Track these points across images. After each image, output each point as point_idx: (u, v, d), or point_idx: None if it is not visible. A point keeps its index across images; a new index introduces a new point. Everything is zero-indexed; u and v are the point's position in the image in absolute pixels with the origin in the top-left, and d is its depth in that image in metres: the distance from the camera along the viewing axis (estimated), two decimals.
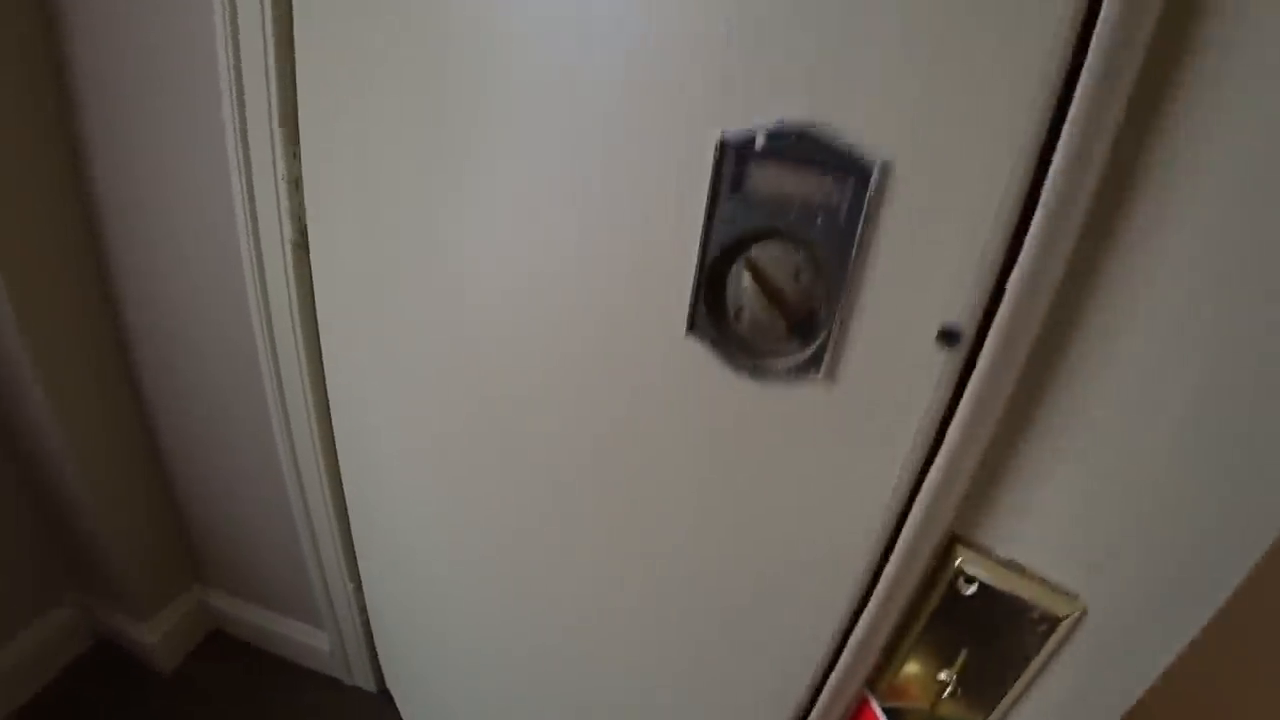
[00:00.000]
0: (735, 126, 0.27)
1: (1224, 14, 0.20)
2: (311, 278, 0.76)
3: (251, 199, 0.78)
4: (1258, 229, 0.22)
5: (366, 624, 0.97)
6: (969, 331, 0.26)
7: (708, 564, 0.37)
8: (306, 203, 0.72)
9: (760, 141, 0.26)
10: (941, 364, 0.26)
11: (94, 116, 0.84)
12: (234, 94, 0.72)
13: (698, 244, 0.29)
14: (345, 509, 0.89)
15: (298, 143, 0.71)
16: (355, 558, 0.92)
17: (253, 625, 1.14)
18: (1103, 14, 0.21)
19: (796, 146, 0.26)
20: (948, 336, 0.26)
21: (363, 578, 0.93)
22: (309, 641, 1.07)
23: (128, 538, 1.09)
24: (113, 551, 1.08)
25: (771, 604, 0.36)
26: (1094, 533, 0.30)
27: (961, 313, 0.26)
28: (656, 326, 0.32)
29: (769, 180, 0.27)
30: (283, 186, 0.74)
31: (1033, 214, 0.24)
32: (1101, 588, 0.31)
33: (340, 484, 0.88)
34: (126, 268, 0.93)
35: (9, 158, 0.83)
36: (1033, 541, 0.32)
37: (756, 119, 0.26)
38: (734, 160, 0.27)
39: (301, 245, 0.76)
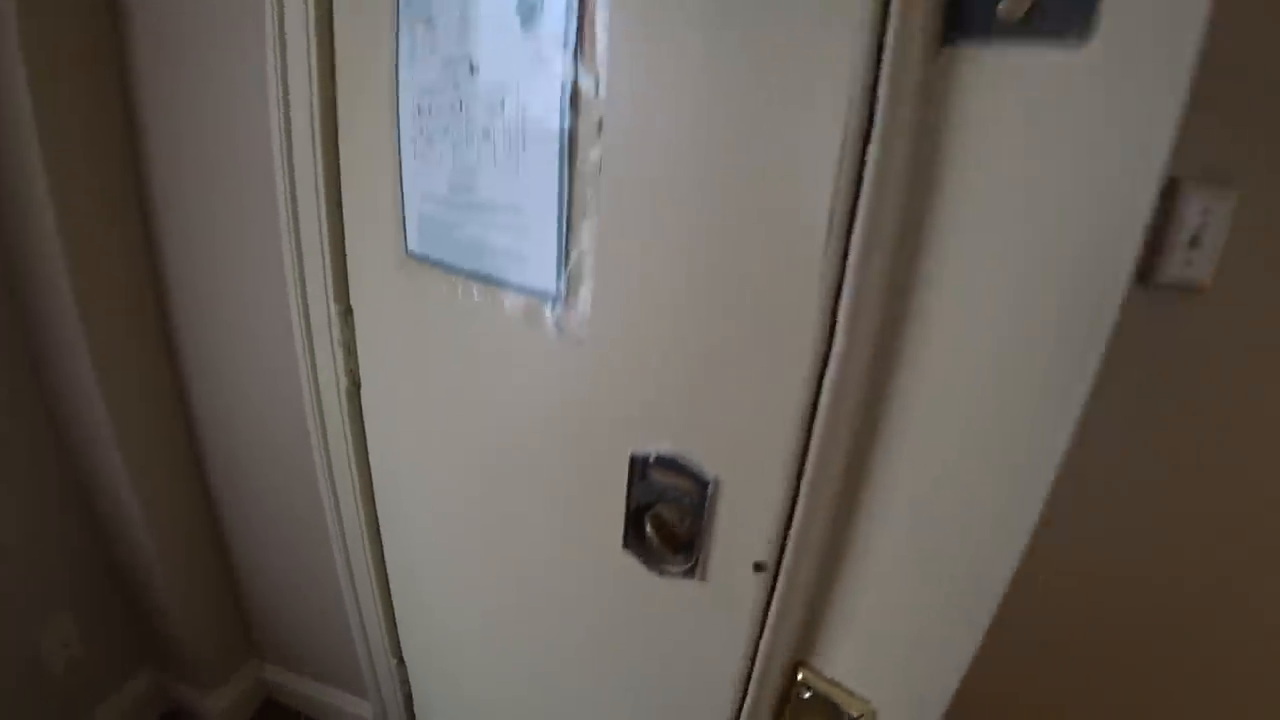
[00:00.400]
0: (639, 450, 0.48)
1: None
2: (362, 412, 0.98)
3: (313, 358, 1.00)
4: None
5: (408, 694, 1.16)
6: (770, 564, 0.47)
7: (637, 681, 0.58)
8: (360, 359, 0.94)
9: (652, 458, 0.48)
10: (757, 581, 0.47)
11: (183, 300, 1.08)
12: (298, 278, 0.95)
13: (624, 505, 0.50)
14: (390, 596, 1.09)
15: (350, 313, 0.93)
16: (398, 636, 1.12)
17: (303, 695, 1.34)
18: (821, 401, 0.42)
19: (671, 464, 0.47)
20: (758, 566, 0.47)
21: (404, 653, 1.13)
22: (354, 710, 1.27)
23: (198, 617, 1.30)
24: (185, 630, 1.29)
25: (678, 710, 0.56)
26: (877, 662, 0.50)
27: (764, 554, 0.47)
28: (604, 542, 0.53)
29: (660, 477, 0.48)
30: (339, 351, 0.96)
31: (796, 505, 0.45)
32: (885, 695, 0.52)
33: (385, 575, 1.09)
34: (204, 396, 1.17)
35: (128, 347, 1.08)
36: (844, 665, 0.52)
37: (649, 448, 0.48)
38: (640, 465, 0.49)
39: (354, 390, 0.97)
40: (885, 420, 0.42)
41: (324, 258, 0.88)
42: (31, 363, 1.09)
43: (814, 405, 0.42)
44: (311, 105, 0.79)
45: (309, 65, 0.75)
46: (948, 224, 0.38)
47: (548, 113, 0.47)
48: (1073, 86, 0.34)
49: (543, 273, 0.50)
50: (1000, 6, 0.36)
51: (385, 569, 1.06)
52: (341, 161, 0.79)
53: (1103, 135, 0.33)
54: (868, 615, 0.48)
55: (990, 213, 0.36)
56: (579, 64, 0.45)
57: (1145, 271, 0.56)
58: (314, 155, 0.82)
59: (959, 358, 0.39)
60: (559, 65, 0.46)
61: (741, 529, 0.47)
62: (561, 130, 0.46)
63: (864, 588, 0.47)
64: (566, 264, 0.49)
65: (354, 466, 1.01)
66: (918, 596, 0.46)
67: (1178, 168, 0.56)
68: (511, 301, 0.54)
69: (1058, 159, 0.34)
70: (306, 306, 0.97)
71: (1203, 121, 0.53)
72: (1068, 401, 0.37)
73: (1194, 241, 0.55)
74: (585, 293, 0.48)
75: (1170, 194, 0.55)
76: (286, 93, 0.82)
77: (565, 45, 0.45)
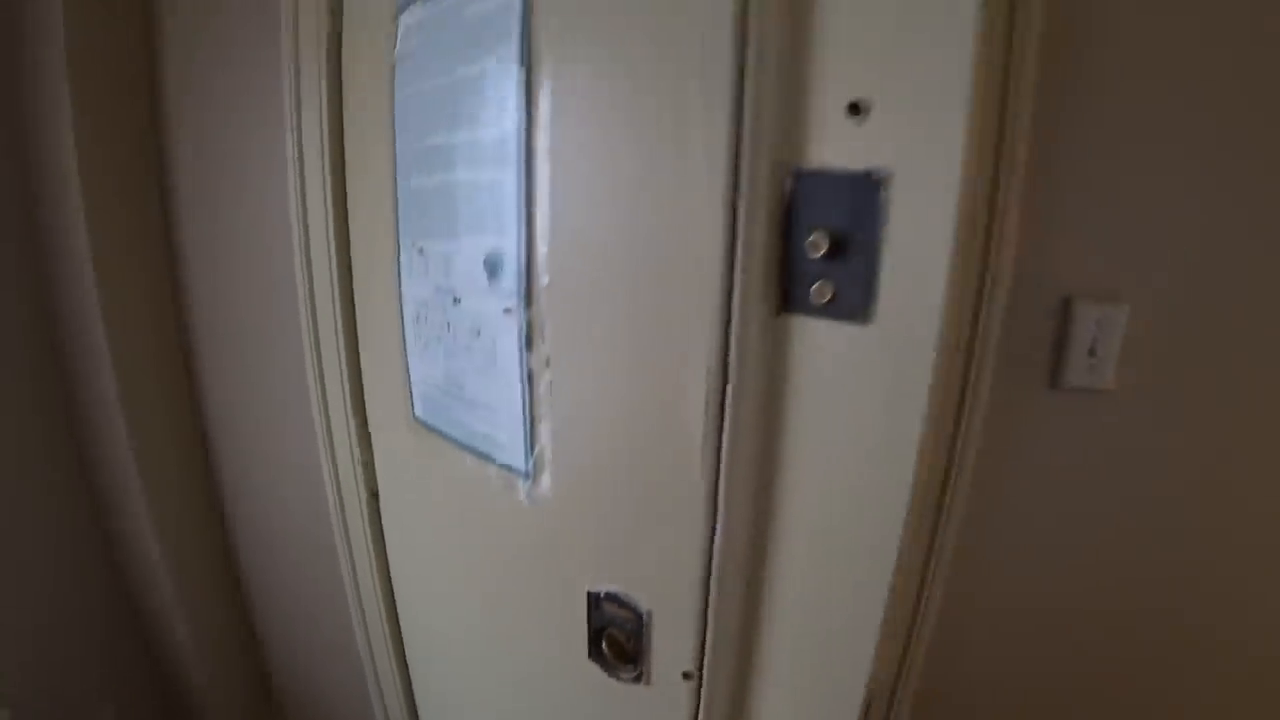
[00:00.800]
0: (592, 588, 0.65)
1: None
2: (381, 518, 1.13)
3: (336, 471, 1.16)
4: None
5: None
6: (695, 673, 0.62)
7: None
8: (377, 474, 1.10)
9: (602, 594, 0.64)
10: (687, 686, 0.63)
11: (220, 426, 1.26)
12: (323, 411, 1.13)
13: (585, 628, 0.67)
14: (409, 677, 1.24)
15: (369, 436, 1.10)
16: (417, 713, 1.27)
17: None
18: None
19: (616, 599, 0.64)
20: (686, 675, 0.63)
21: None
22: None
23: (231, 706, 1.45)
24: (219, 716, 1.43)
25: None
26: None
27: (690, 666, 0.62)
28: (575, 654, 0.69)
29: (610, 608, 0.65)
30: (359, 468, 1.13)
31: (707, 631, 0.61)
32: None
33: (405, 659, 1.24)
34: (237, 496, 1.34)
35: (171, 452, 1.26)
36: None
37: (600, 587, 0.64)
38: (594, 600, 0.65)
39: (373, 499, 1.13)
40: (767, 569, 0.59)
41: (345, 401, 1.05)
42: (79, 461, 1.27)
43: (709, 561, 0.58)
44: (333, 286, 0.98)
45: (330, 272, 0.94)
46: (791, 436, 0.55)
47: (510, 347, 0.65)
48: (862, 350, 0.51)
49: (516, 457, 0.67)
50: (810, 292, 0.54)
51: (405, 656, 1.22)
52: (359, 327, 0.98)
53: (884, 381, 0.49)
54: (774, 706, 0.64)
55: (819, 431, 0.53)
56: (530, 316, 0.63)
57: (1054, 377, 0.67)
58: (334, 313, 1.00)
59: (808, 529, 0.55)
60: (516, 315, 0.64)
61: (672, 648, 0.63)
62: (520, 361, 0.64)
63: (768, 687, 0.63)
64: (532, 454, 0.66)
65: (374, 566, 1.17)
66: (806, 695, 0.61)
67: (1071, 287, 0.71)
68: (494, 474, 0.71)
69: (856, 392, 0.51)
70: (330, 431, 1.14)
71: (1094, 244, 0.68)
72: (884, 549, 0.53)
73: (1092, 350, 0.65)
74: (547, 476, 0.65)
75: (1065, 310, 0.66)
76: (311, 268, 1.01)
77: (519, 301, 0.63)
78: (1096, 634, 0.78)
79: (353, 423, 1.05)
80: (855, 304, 0.52)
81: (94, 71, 1.08)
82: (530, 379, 0.64)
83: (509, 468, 0.69)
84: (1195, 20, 0.59)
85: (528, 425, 0.65)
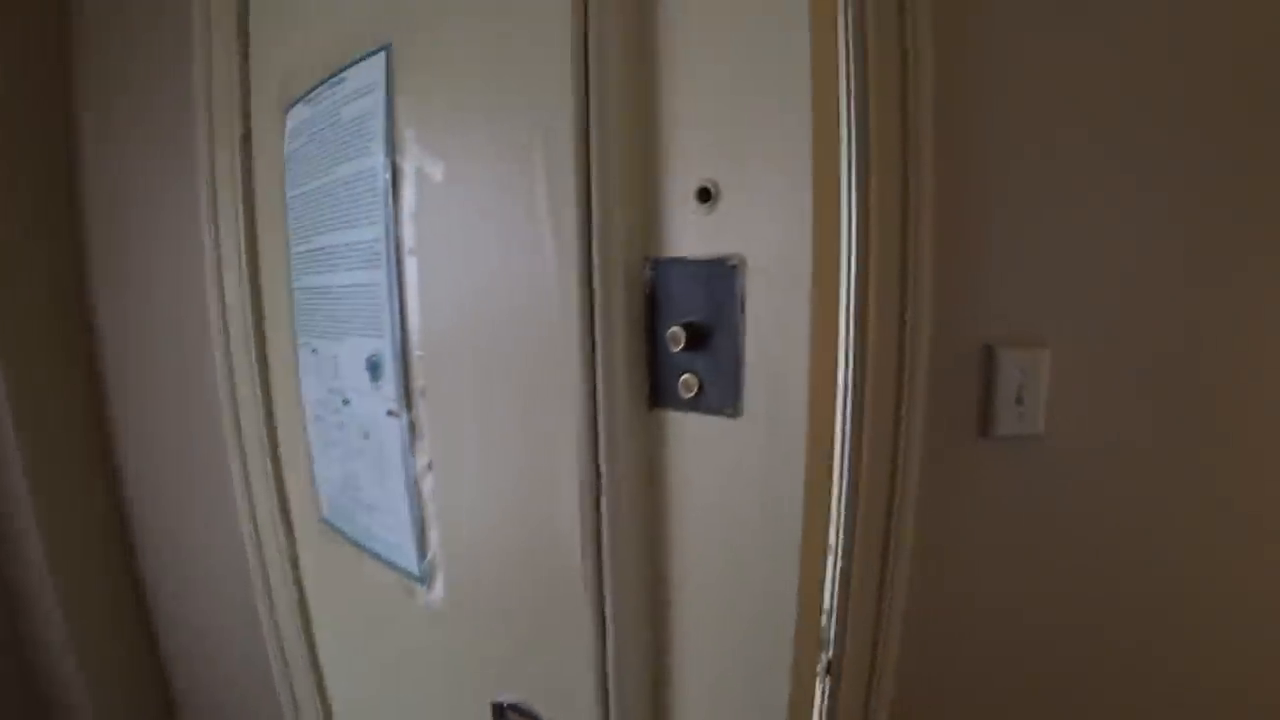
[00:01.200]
0: (496, 698, 0.61)
1: None
2: (309, 611, 1.08)
3: (266, 573, 1.12)
4: None
5: None
6: None
7: None
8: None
9: (506, 704, 0.61)
10: None
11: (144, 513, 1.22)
12: (250, 510, 1.09)
13: None
14: None
15: (293, 530, 1.05)
16: None
17: None
18: None
19: (519, 709, 0.60)
20: None
21: None
22: None
23: None
24: None
25: None
26: None
27: None
28: None
29: (514, 719, 0.61)
30: (287, 566, 1.08)
31: None
32: None
33: None
34: (160, 581, 1.28)
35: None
36: None
37: (502, 696, 0.61)
38: (499, 710, 0.62)
39: (301, 595, 1.08)
40: (670, 670, 0.56)
41: (274, 503, 1.02)
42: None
43: (604, 667, 0.55)
44: (253, 379, 0.96)
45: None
46: (676, 533, 0.53)
47: (395, 450, 0.63)
48: (736, 443, 0.49)
49: (411, 562, 0.65)
50: (678, 386, 0.52)
51: None
52: (277, 427, 0.95)
53: (761, 474, 0.47)
54: None
55: (703, 528, 0.51)
56: (411, 418, 0.61)
57: (983, 428, 0.66)
58: (258, 412, 0.98)
59: (704, 629, 0.53)
60: (399, 417, 0.62)
61: None
62: (406, 467, 0.62)
63: None
64: (424, 560, 0.63)
65: (307, 660, 1.11)
66: None
67: (991, 335, 0.69)
68: (395, 579, 0.68)
69: (736, 487, 0.49)
70: (259, 533, 1.11)
71: (1012, 291, 0.67)
72: (782, 637, 0.50)
73: (1019, 398, 0.64)
74: (440, 582, 0.63)
75: (988, 359, 0.65)
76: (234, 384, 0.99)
77: (400, 403, 0.61)
78: (1056, 689, 0.75)
79: (280, 526, 1.01)
80: (723, 397, 0.50)
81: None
82: (416, 483, 0.62)
83: (407, 573, 0.66)
84: (1100, 66, 0.60)
85: (418, 530, 0.63)
